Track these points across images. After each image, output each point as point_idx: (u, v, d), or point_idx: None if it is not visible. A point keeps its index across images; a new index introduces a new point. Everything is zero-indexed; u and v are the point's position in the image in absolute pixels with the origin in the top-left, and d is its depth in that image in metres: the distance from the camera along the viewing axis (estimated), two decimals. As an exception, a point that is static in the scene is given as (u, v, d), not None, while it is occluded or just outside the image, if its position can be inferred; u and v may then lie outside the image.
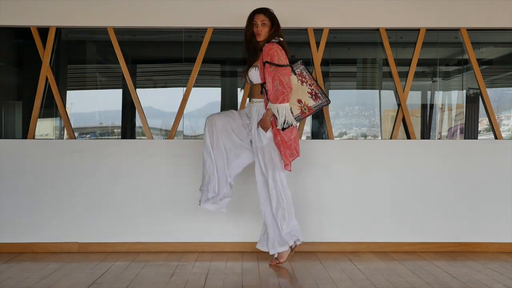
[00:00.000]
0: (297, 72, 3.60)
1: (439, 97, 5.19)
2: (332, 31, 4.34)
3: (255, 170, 3.63)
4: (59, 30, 4.30)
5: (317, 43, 4.28)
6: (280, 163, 3.54)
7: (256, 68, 3.57)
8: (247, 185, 4.03)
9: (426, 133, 5.10)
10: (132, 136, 4.90)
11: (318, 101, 3.60)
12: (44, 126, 4.59)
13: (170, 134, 4.26)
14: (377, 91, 5.19)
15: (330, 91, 4.88)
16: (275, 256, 3.65)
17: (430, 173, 4.18)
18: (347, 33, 4.56)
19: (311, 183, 4.14)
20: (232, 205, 4.06)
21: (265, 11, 3.60)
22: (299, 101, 3.58)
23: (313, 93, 3.60)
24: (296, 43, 4.80)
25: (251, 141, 3.64)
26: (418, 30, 4.30)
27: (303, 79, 3.61)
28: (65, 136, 4.35)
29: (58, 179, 4.10)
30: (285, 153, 3.50)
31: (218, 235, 4.11)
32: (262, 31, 3.57)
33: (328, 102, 3.61)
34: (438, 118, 5.11)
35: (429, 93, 5.16)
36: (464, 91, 4.99)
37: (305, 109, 3.58)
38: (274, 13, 3.65)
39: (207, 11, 4.20)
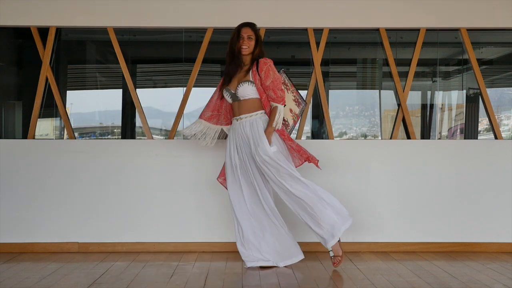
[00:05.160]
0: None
1: (439, 97, 5.19)
2: (332, 31, 4.34)
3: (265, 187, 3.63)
4: (59, 30, 4.31)
5: (317, 43, 4.28)
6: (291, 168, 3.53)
7: (249, 83, 3.54)
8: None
9: (426, 133, 5.10)
10: (132, 136, 4.90)
11: (300, 107, 3.77)
12: (44, 126, 4.60)
13: (170, 134, 4.27)
14: (377, 91, 5.20)
15: (330, 91, 4.88)
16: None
17: (430, 173, 4.18)
18: (347, 33, 4.56)
19: (311, 183, 4.14)
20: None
21: (252, 26, 3.61)
22: (290, 111, 3.73)
23: (296, 99, 3.75)
24: (296, 43, 4.80)
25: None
26: (418, 30, 4.30)
27: (287, 87, 3.73)
28: (65, 136, 4.35)
29: (58, 179, 4.10)
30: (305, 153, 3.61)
31: (218, 235, 4.11)
32: (249, 44, 3.57)
33: (306, 104, 3.83)
34: (438, 118, 5.11)
35: (429, 93, 5.16)
36: (464, 91, 5.00)
37: (295, 117, 3.77)
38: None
39: (207, 11, 4.20)
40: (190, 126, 3.78)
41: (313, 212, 3.49)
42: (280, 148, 3.54)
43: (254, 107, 3.56)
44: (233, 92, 3.59)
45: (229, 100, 3.63)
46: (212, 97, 3.78)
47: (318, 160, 3.61)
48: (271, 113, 3.55)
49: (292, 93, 3.74)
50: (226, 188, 3.69)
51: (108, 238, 4.09)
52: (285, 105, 3.61)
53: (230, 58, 3.63)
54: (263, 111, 3.58)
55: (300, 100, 3.75)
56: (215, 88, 3.77)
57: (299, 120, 3.84)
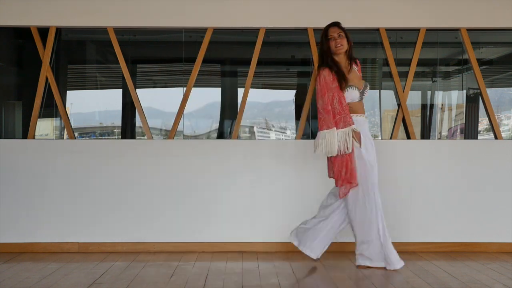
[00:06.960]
0: None
1: (439, 97, 5.19)
2: (332, 31, 4.33)
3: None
4: (59, 30, 4.30)
5: (317, 43, 4.28)
6: None
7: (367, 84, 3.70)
8: (248, 186, 4.04)
9: (426, 133, 5.10)
10: (132, 136, 4.90)
11: None
12: (44, 126, 4.59)
13: (170, 134, 4.26)
14: (377, 91, 5.19)
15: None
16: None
17: (430, 173, 4.17)
18: (347, 33, 4.55)
19: (311, 184, 4.13)
20: (231, 205, 4.07)
21: (338, 24, 3.64)
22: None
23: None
24: (296, 43, 4.80)
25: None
26: (418, 30, 4.30)
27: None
28: (65, 136, 4.35)
29: (58, 179, 4.10)
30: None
31: (218, 235, 4.11)
32: (343, 42, 3.59)
33: None
34: (438, 118, 5.11)
35: (429, 93, 5.16)
36: (464, 91, 4.99)
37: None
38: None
39: (207, 11, 4.20)
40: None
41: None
42: None
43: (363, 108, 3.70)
44: (361, 90, 3.64)
45: (357, 98, 3.62)
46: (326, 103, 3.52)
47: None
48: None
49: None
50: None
51: (108, 238, 4.09)
52: None
53: (324, 60, 3.61)
54: None
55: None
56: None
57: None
